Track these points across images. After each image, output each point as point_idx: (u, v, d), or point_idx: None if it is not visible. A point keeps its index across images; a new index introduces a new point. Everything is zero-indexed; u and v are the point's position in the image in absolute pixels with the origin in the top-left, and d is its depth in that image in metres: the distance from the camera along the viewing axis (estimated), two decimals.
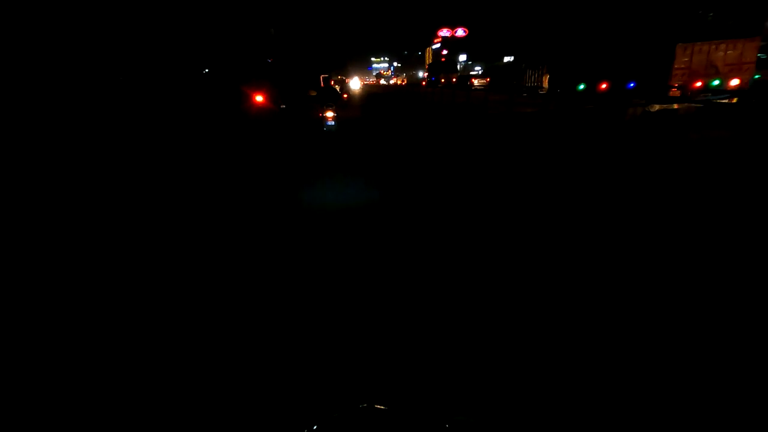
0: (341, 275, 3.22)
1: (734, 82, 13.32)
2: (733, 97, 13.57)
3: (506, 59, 39.22)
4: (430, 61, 64.15)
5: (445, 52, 58.37)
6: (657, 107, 14.21)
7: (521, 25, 34.73)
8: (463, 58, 54.39)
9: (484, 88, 27.23)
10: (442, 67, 45.59)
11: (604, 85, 16.87)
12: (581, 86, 18.31)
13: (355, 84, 38.71)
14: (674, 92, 13.72)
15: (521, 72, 26.74)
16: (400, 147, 9.58)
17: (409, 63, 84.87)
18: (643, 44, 14.90)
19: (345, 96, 23.22)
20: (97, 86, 16.48)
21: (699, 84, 13.59)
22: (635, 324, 2.53)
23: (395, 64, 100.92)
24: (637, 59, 14.87)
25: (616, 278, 3.10)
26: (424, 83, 54.24)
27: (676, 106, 13.82)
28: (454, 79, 38.23)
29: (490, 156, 8.08)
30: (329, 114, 10.99)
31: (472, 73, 44.21)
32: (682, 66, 13.48)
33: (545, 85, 22.83)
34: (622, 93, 15.76)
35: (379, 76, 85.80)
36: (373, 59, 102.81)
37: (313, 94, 13.54)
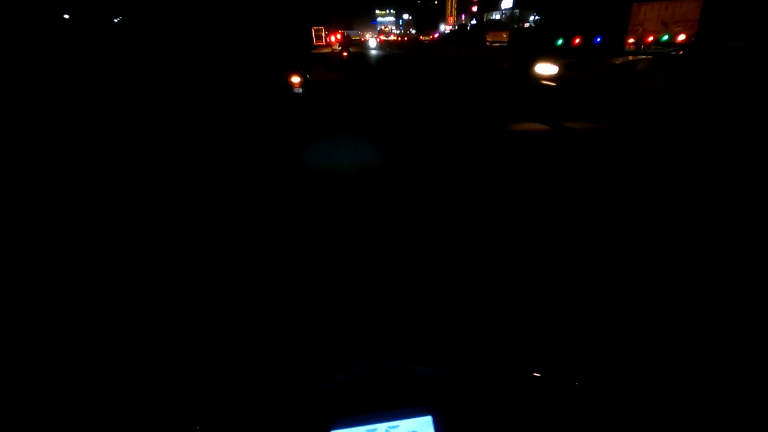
0: None
1: (681, 37, 15.30)
2: (679, 50, 15.63)
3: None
4: (455, 9, 60.90)
5: None
6: (620, 60, 16.31)
7: None
8: (508, 4, 47.00)
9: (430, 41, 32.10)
10: (427, 24, 47.29)
11: (577, 40, 18.78)
12: (559, 42, 20.15)
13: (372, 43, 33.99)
14: (630, 46, 15.79)
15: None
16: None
17: (423, 14, 77.66)
18: (607, 2, 16.68)
19: (345, 54, 20.61)
20: None
21: (651, 39, 15.60)
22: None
23: (405, 16, 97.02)
24: (602, 16, 16.75)
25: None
26: (397, 38, 52.92)
27: (631, 58, 15.92)
28: (437, 34, 40.91)
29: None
30: (295, 79, 8.93)
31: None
32: (637, 23, 15.44)
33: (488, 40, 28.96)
34: (590, 47, 17.77)
35: (381, 32, 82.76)
36: (377, 12, 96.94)
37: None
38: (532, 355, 1.97)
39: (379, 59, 24.38)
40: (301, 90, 9.02)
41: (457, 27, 49.69)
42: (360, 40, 49.52)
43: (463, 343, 2.10)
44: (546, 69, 12.94)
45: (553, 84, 11.98)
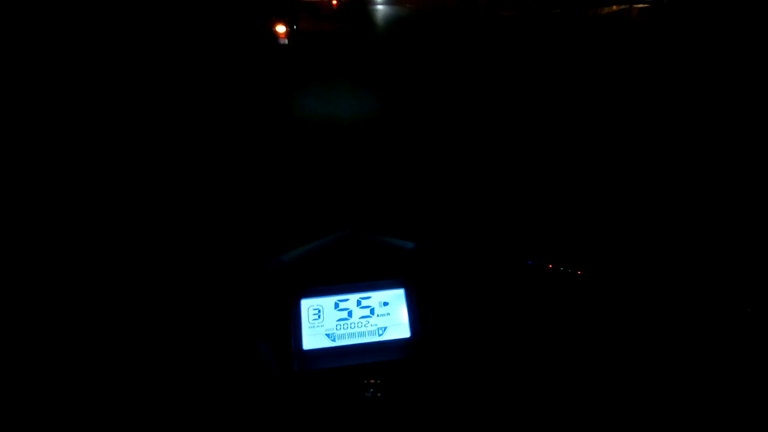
0: None
1: None
2: None
3: None
4: None
5: None
6: (606, 9, 16.91)
7: None
8: None
9: None
10: None
11: None
12: None
13: None
14: None
15: None
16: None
17: None
18: None
19: (334, 3, 18.28)
20: None
21: None
22: None
23: None
24: None
25: None
26: None
27: (615, 7, 16.54)
28: None
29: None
30: (280, 29, 7.84)
31: None
32: None
33: None
34: None
35: None
36: None
37: None
38: (511, 238, 1.88)
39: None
40: (287, 41, 8.20)
41: None
42: None
43: (445, 218, 2.01)
44: None
45: None
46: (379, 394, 0.64)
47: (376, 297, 0.70)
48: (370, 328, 0.69)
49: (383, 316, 0.70)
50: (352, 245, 0.77)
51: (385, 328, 0.69)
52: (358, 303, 0.70)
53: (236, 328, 0.67)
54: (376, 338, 0.69)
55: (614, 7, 16.48)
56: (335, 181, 2.43)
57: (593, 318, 0.69)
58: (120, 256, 1.79)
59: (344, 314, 0.69)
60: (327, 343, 0.68)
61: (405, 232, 0.80)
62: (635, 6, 16.13)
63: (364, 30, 13.75)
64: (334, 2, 19.18)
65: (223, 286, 0.71)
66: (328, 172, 2.57)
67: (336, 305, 0.69)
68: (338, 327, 0.69)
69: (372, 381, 0.65)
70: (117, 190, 2.57)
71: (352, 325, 0.69)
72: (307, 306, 0.69)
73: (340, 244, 0.77)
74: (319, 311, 0.69)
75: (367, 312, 0.70)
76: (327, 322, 0.69)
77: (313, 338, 0.68)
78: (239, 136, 3.67)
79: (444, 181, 2.49)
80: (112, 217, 2.22)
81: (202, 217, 2.09)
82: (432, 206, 2.17)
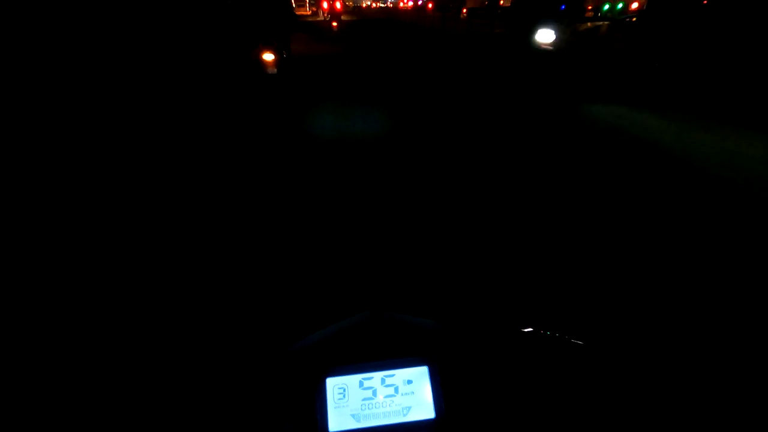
0: None
1: (634, 5, 16.63)
2: (633, 17, 17.01)
3: None
4: None
5: None
6: (583, 26, 17.60)
7: None
8: None
9: None
10: None
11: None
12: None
13: None
14: (589, 13, 17.04)
15: None
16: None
17: None
18: None
19: (334, 24, 17.08)
20: None
21: (607, 6, 16.88)
22: None
23: None
24: None
25: None
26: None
27: (589, 24, 17.22)
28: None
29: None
30: (268, 57, 7.36)
31: None
32: None
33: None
34: (557, 14, 18.90)
35: None
36: None
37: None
38: (531, 310, 1.94)
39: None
40: (275, 70, 7.52)
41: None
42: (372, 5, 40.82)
43: (461, 294, 2.08)
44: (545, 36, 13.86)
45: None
46: None
47: (400, 375, 0.71)
48: (394, 408, 0.70)
49: (407, 395, 0.70)
50: (374, 325, 0.78)
51: (410, 407, 0.70)
52: (383, 381, 0.71)
53: (262, 410, 0.68)
54: (400, 419, 0.69)
55: (588, 24, 17.18)
56: (353, 262, 2.49)
57: (619, 393, 0.70)
58: (143, 335, 1.80)
59: (369, 393, 0.70)
60: (352, 425, 0.68)
61: (426, 310, 0.82)
62: (605, 23, 16.96)
63: (366, 53, 12.65)
64: (335, 24, 17.96)
65: (248, 369, 0.72)
66: (344, 254, 2.60)
67: (360, 383, 0.70)
68: (363, 407, 0.69)
69: None
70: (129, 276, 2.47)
71: (377, 405, 0.70)
72: (333, 384, 0.70)
73: (362, 324, 0.79)
74: (344, 390, 0.70)
75: (391, 390, 0.70)
76: (352, 401, 0.69)
77: (338, 419, 0.68)
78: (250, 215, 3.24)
79: (462, 256, 2.53)
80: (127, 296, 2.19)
81: (225, 300, 2.13)
82: (451, 282, 2.23)
